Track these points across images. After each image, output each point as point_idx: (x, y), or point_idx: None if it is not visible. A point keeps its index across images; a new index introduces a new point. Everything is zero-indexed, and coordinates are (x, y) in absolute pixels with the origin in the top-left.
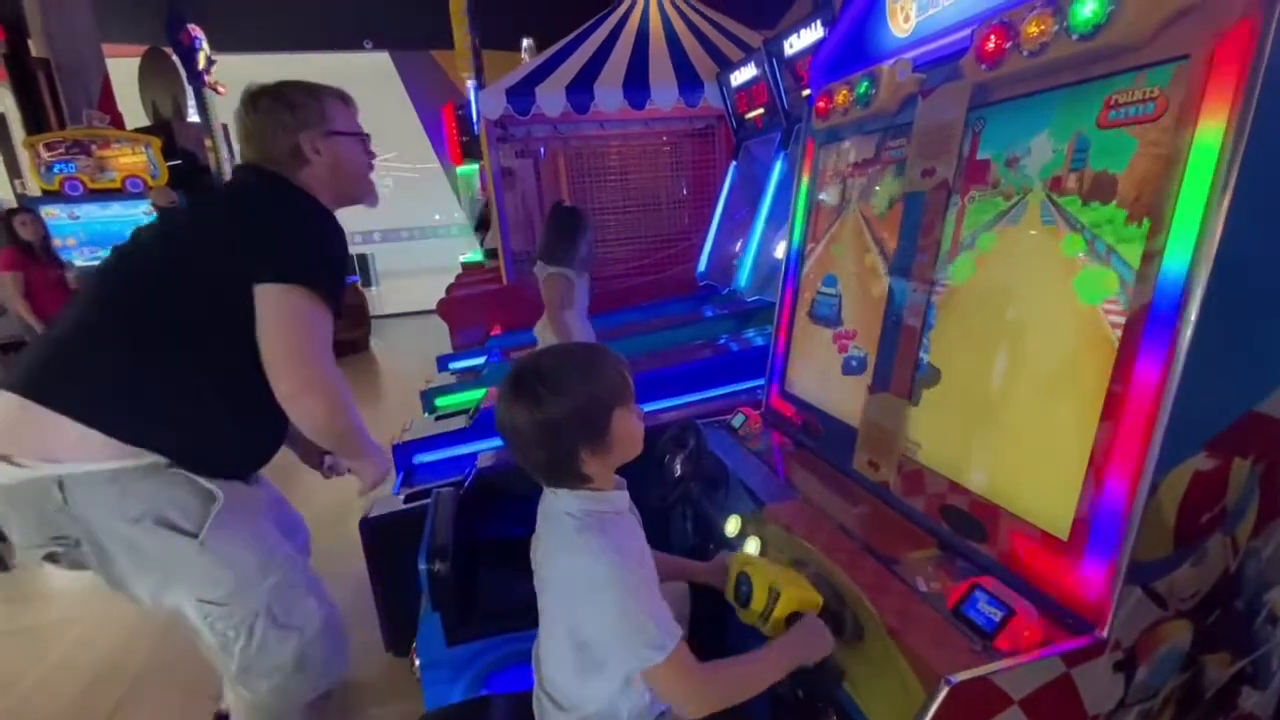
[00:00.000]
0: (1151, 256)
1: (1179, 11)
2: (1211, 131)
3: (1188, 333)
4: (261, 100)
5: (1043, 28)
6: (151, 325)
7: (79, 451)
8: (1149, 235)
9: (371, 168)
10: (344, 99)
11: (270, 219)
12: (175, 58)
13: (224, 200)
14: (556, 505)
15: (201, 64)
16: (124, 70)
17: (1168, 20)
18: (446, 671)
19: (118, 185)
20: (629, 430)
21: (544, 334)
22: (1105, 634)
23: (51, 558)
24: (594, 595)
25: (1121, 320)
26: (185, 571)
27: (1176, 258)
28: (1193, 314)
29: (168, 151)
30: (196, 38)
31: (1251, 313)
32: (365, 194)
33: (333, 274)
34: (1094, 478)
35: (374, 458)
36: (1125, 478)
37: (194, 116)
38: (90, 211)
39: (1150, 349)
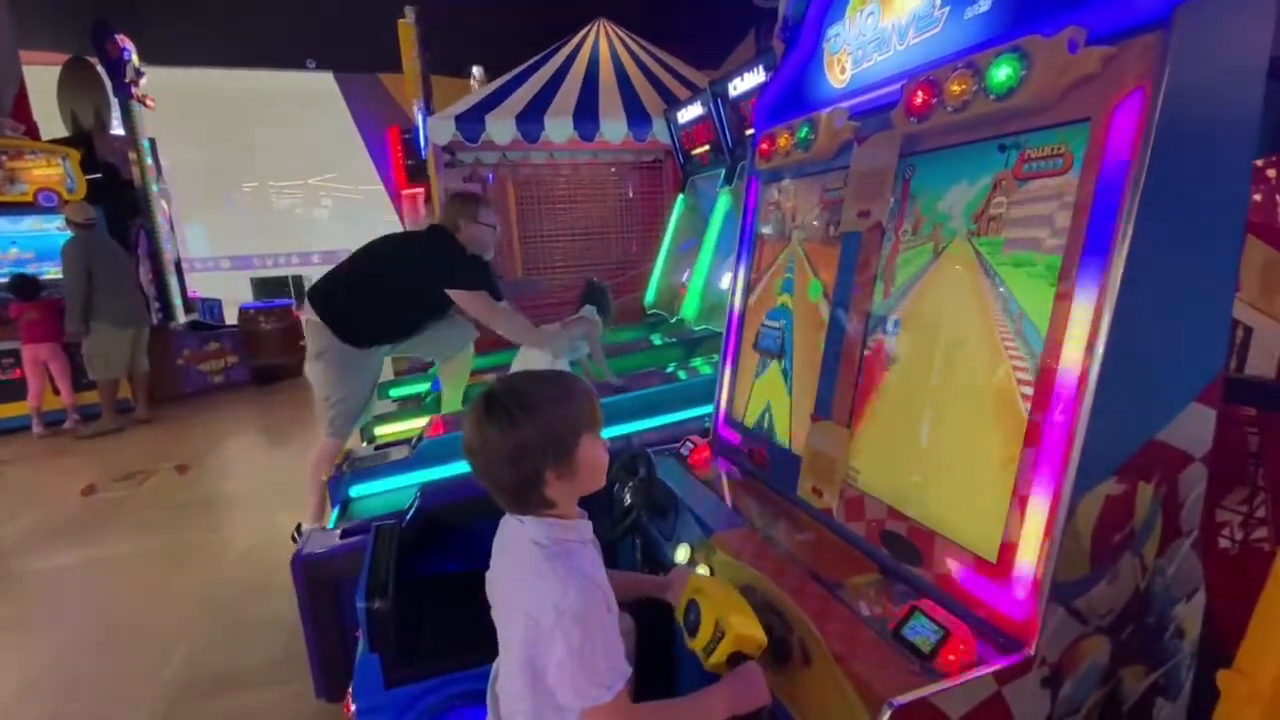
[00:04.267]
0: (1062, 299)
1: (1081, 79)
2: (1111, 185)
3: (1096, 368)
4: (455, 199)
5: (963, 87)
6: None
7: None
8: (1060, 278)
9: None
10: (489, 205)
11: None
12: (100, 68)
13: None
14: (521, 533)
15: (129, 76)
16: (44, 79)
17: (1071, 85)
18: (386, 715)
19: (29, 198)
20: (595, 457)
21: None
22: (1033, 651)
23: None
24: (559, 622)
25: (1038, 359)
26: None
27: (1084, 300)
28: (1100, 351)
29: (88, 165)
30: (125, 48)
31: (1151, 350)
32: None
33: (484, 281)
34: (1017, 503)
35: (554, 340)
36: (1045, 502)
37: (118, 129)
38: None
39: (1063, 385)
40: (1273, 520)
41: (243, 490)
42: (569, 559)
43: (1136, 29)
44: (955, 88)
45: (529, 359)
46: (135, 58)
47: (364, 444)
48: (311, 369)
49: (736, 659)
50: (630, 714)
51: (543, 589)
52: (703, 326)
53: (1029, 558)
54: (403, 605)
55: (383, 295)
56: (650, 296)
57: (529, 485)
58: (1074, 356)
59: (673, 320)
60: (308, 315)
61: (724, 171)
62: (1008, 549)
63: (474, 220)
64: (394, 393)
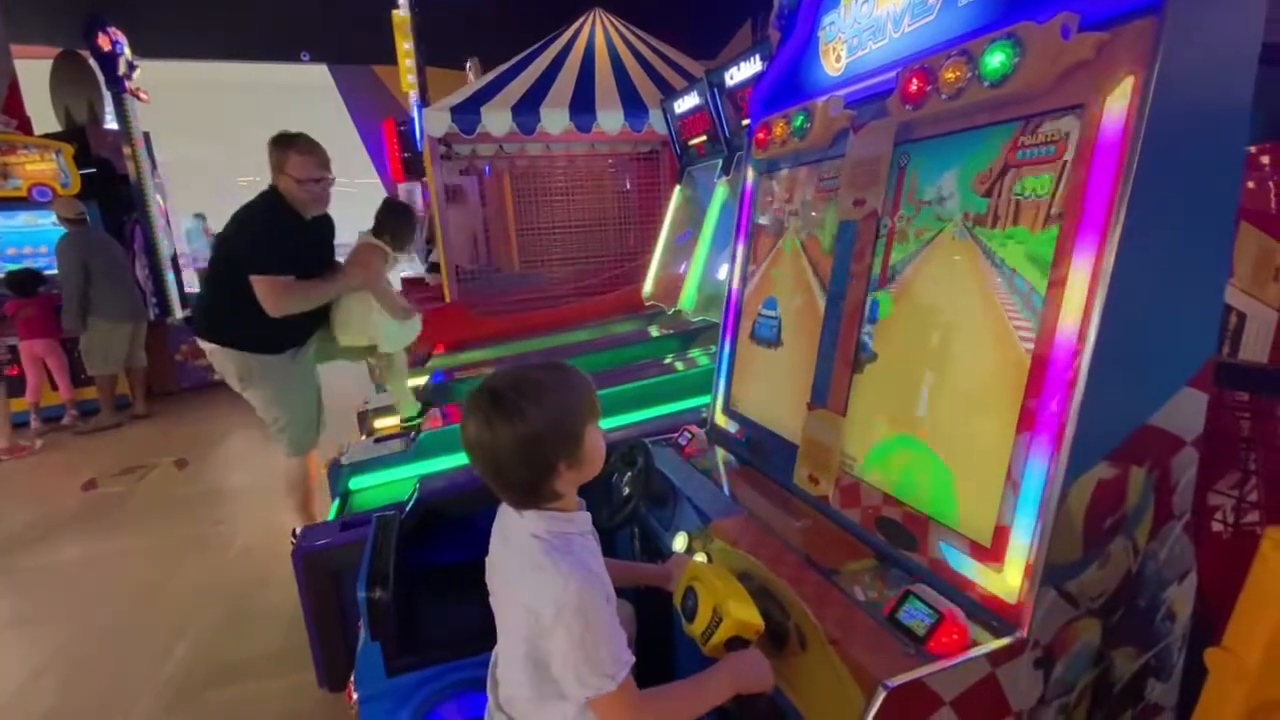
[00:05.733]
0: (1056, 284)
1: (1074, 65)
2: (1104, 171)
3: (1088, 354)
4: (270, 143)
5: (958, 74)
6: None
7: None
8: (1053, 265)
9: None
10: (309, 151)
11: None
12: (93, 61)
13: (242, 209)
14: (521, 527)
15: (122, 69)
16: (36, 73)
17: (1065, 72)
18: (387, 704)
19: (23, 194)
20: (597, 445)
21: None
22: (1025, 633)
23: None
24: (560, 616)
25: (1031, 344)
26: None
27: (1077, 286)
28: (1092, 337)
29: (82, 159)
30: (118, 42)
31: (1143, 335)
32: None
33: (271, 260)
34: (1011, 487)
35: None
36: (1038, 486)
37: (112, 123)
38: None
39: (1056, 369)
40: (1265, 504)
41: (242, 484)
42: (569, 552)
43: (1129, 15)
44: (950, 75)
45: (349, 316)
46: (128, 51)
47: (363, 437)
48: (247, 395)
49: (734, 644)
50: (635, 701)
51: (543, 583)
52: (701, 317)
53: (1022, 541)
54: (403, 595)
55: (239, 289)
56: (648, 287)
57: (540, 478)
58: (1067, 342)
59: (670, 312)
60: (205, 345)
61: (721, 162)
62: (1001, 533)
63: (281, 171)
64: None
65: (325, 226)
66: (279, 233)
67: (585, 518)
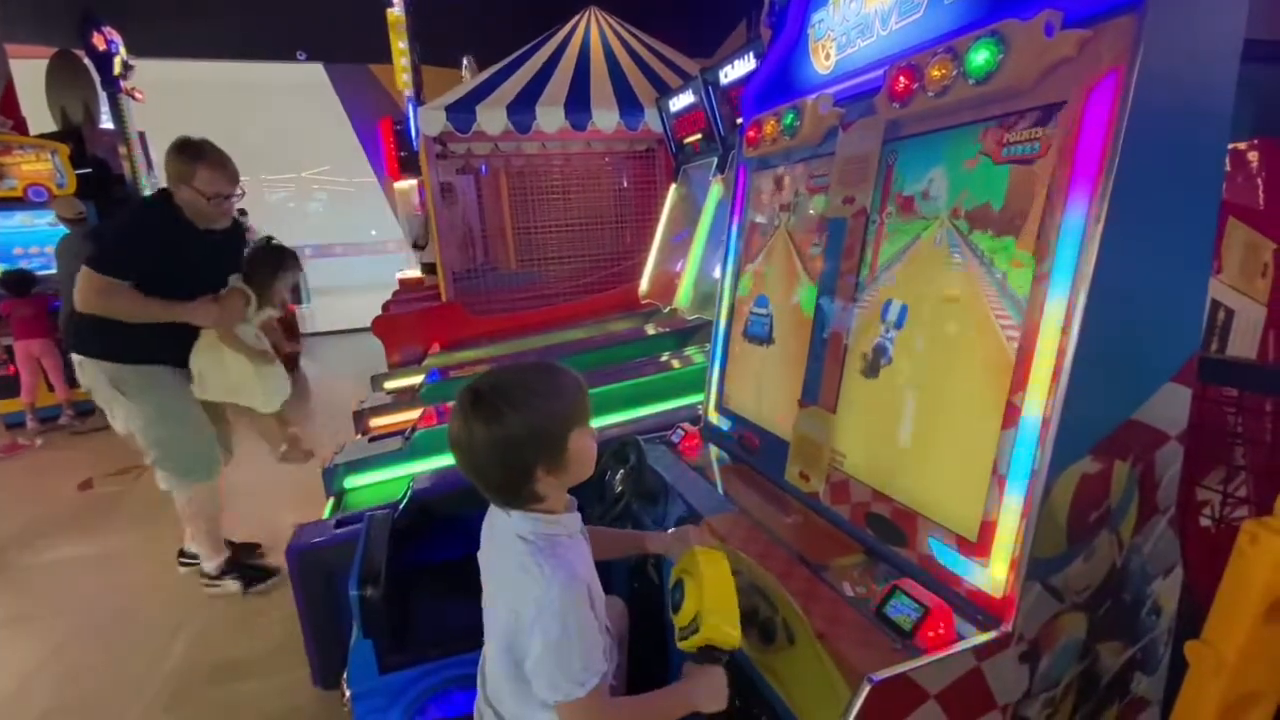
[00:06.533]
0: (1039, 280)
1: (1057, 62)
2: (1086, 168)
3: (1072, 349)
4: (172, 151)
5: (943, 71)
6: None
7: None
8: (1037, 261)
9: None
10: (219, 165)
11: None
12: (88, 61)
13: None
14: (507, 526)
15: (117, 69)
16: (30, 73)
17: (1048, 69)
18: (380, 700)
19: (19, 194)
20: (584, 450)
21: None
22: (1010, 627)
23: None
24: (539, 618)
25: (1016, 340)
26: None
27: (1060, 282)
28: (1075, 332)
29: (78, 159)
30: (113, 41)
31: (1126, 330)
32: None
33: (117, 262)
34: (997, 482)
35: (191, 308)
36: (1023, 481)
37: (108, 123)
38: None
39: (1041, 364)
40: (1253, 499)
41: (238, 482)
42: (554, 555)
43: (1111, 12)
44: (936, 72)
45: (202, 369)
46: (123, 51)
47: (359, 436)
48: (121, 416)
49: (707, 653)
50: (601, 709)
51: (525, 583)
52: (696, 315)
53: (1007, 536)
54: (396, 593)
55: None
56: (644, 285)
57: (518, 481)
58: (1051, 337)
59: (666, 310)
60: (75, 359)
61: (716, 160)
62: (987, 528)
63: (184, 182)
64: (389, 385)
65: (230, 238)
66: (144, 240)
67: (574, 519)
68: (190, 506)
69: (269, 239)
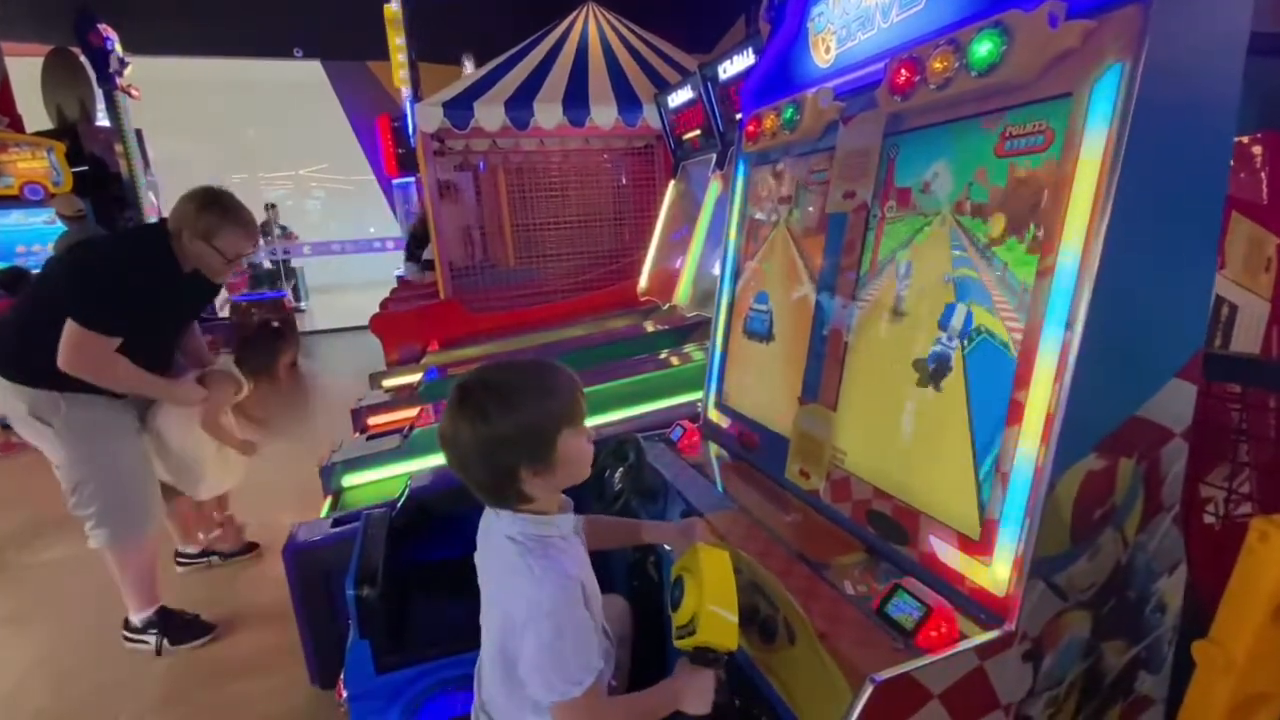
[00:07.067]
0: (1043, 275)
1: (1062, 53)
2: (1091, 162)
3: (1076, 345)
4: (191, 200)
5: (945, 64)
6: None
7: None
8: (1041, 256)
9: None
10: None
11: None
12: (84, 59)
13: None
14: (499, 528)
15: (114, 66)
16: (26, 70)
17: (1052, 61)
18: (376, 701)
19: (15, 192)
20: (577, 451)
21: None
22: (1014, 626)
23: None
24: (531, 620)
25: (1019, 336)
26: None
27: (1064, 277)
28: (1080, 328)
29: (74, 157)
30: (109, 38)
31: (1131, 326)
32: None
33: (104, 316)
34: (1000, 479)
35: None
36: (1026, 478)
37: (104, 121)
38: None
39: (1044, 361)
40: (1257, 496)
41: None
42: (546, 556)
43: (1116, 2)
44: (937, 65)
45: (168, 422)
46: (119, 48)
47: (357, 435)
48: (44, 447)
49: (701, 655)
50: (597, 709)
51: (517, 585)
52: (695, 312)
53: (1010, 534)
54: (393, 592)
55: (46, 320)
56: (643, 282)
57: (503, 482)
58: (1055, 333)
59: (665, 307)
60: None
61: (715, 156)
62: (989, 526)
63: (203, 239)
64: (387, 383)
65: (207, 284)
66: (138, 291)
67: (567, 520)
68: (114, 554)
69: (269, 320)
